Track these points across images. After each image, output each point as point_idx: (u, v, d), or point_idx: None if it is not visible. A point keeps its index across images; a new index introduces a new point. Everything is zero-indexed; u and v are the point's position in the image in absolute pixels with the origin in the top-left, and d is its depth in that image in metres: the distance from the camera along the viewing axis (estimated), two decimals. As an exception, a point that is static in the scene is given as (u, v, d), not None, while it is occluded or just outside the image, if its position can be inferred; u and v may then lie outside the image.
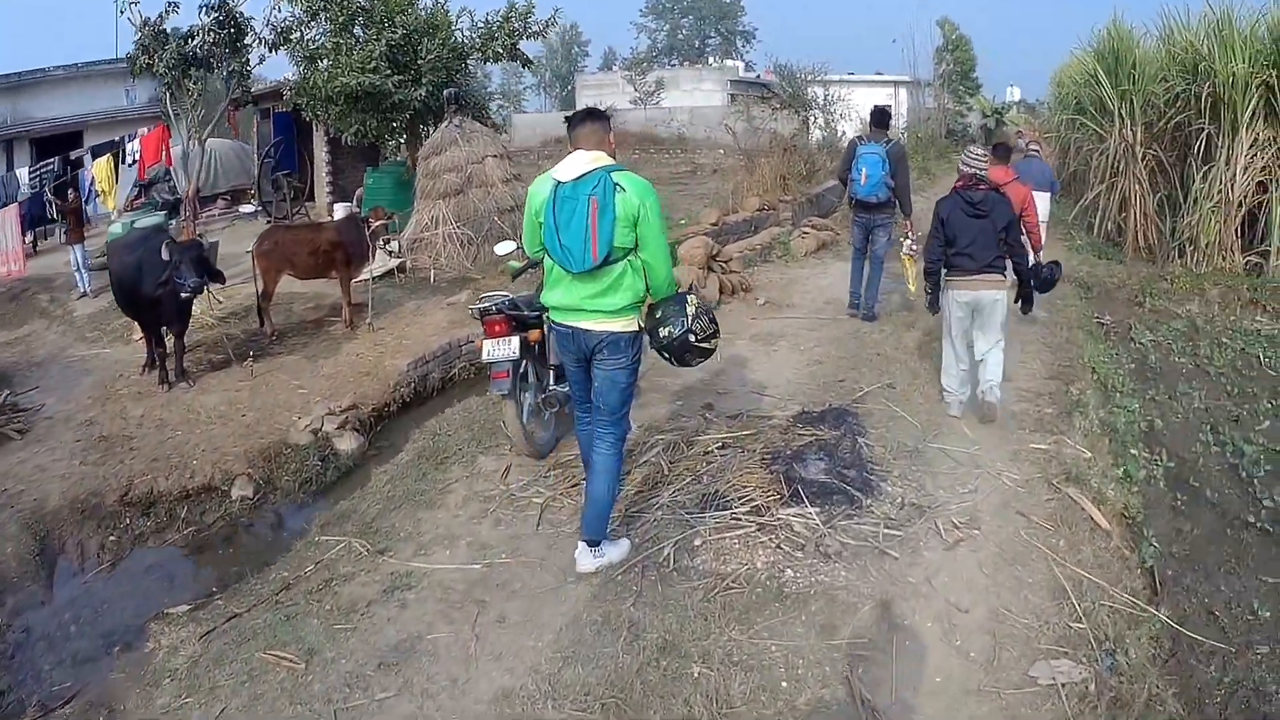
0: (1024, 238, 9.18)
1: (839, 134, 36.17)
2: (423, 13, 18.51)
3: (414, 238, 15.83)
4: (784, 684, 5.02)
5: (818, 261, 16.48)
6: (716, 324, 5.94)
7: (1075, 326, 12.53)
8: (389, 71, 16.93)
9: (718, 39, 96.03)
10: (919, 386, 9.72)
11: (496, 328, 7.39)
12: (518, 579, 6.18)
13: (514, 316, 7.50)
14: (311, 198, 21.71)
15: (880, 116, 11.60)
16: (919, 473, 7.68)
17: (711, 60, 73.31)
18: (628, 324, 5.58)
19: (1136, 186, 18.03)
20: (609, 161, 5.41)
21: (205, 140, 18.65)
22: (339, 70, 16.88)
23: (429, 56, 17.61)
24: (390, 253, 15.05)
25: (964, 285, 8.10)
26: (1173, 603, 6.41)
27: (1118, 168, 18.52)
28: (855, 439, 7.97)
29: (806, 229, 17.72)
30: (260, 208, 19.78)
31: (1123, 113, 18.30)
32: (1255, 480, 8.36)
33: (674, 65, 72.98)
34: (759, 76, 57.72)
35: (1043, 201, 12.66)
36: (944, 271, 8.30)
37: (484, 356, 7.41)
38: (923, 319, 11.55)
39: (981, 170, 8.07)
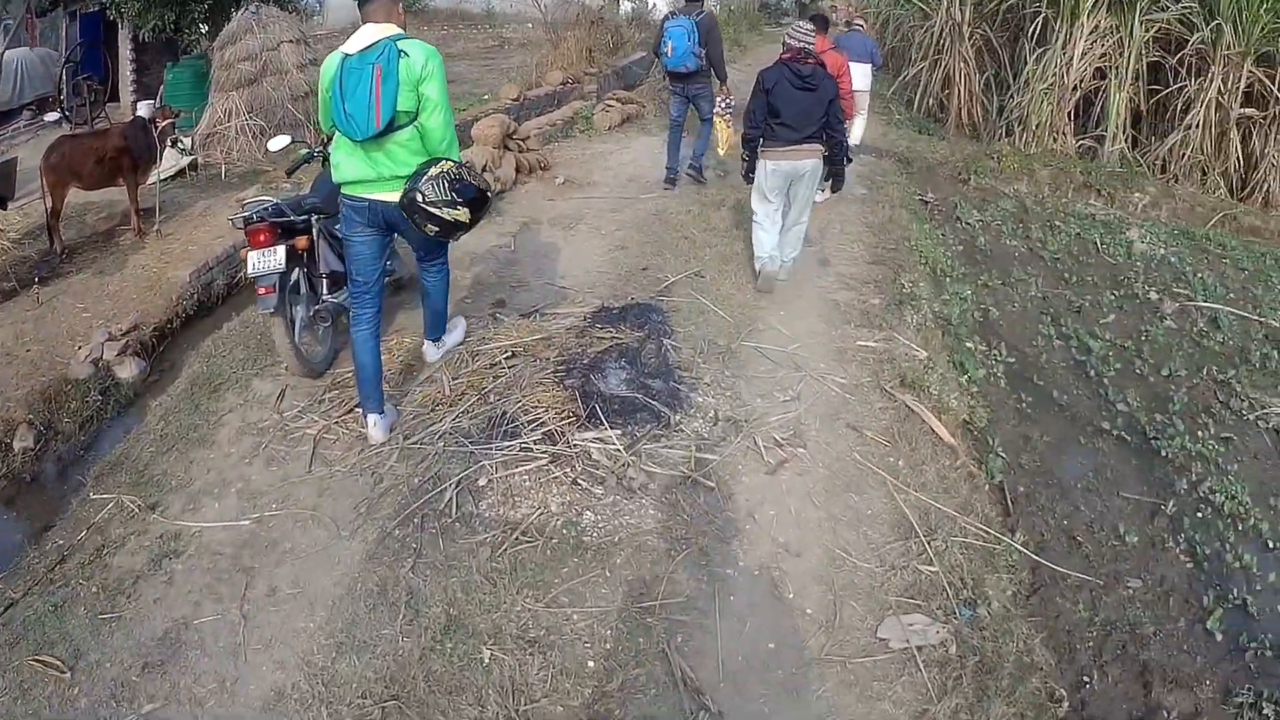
0: None
1: (650, 6, 34.96)
2: None
3: (207, 132, 14.08)
4: (590, 664, 4.25)
5: (622, 136, 15.06)
6: (461, 197, 5.40)
7: (897, 205, 11.57)
8: None
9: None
10: (729, 274, 8.57)
11: (260, 237, 6.38)
12: (288, 537, 5.21)
13: (279, 223, 6.51)
14: (116, 99, 19.72)
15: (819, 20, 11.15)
16: (733, 378, 6.57)
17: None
18: None
19: (962, 65, 17.11)
20: (396, 31, 5.28)
21: (2, 51, 16.71)
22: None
23: None
24: (182, 151, 13.34)
25: (783, 155, 7.90)
26: (1028, 526, 5.68)
27: (942, 45, 17.59)
28: (661, 341, 6.94)
29: (611, 102, 16.24)
30: (63, 115, 17.73)
31: (950, -12, 17.44)
32: (1105, 380, 7.59)
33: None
34: None
35: (862, 73, 12.33)
36: (761, 141, 8.01)
37: (248, 270, 6.39)
38: (732, 194, 10.86)
39: (810, 44, 7.89)
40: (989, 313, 8.63)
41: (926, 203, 12.43)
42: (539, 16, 23.70)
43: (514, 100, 15.28)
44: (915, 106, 18.32)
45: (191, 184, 12.80)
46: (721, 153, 11.63)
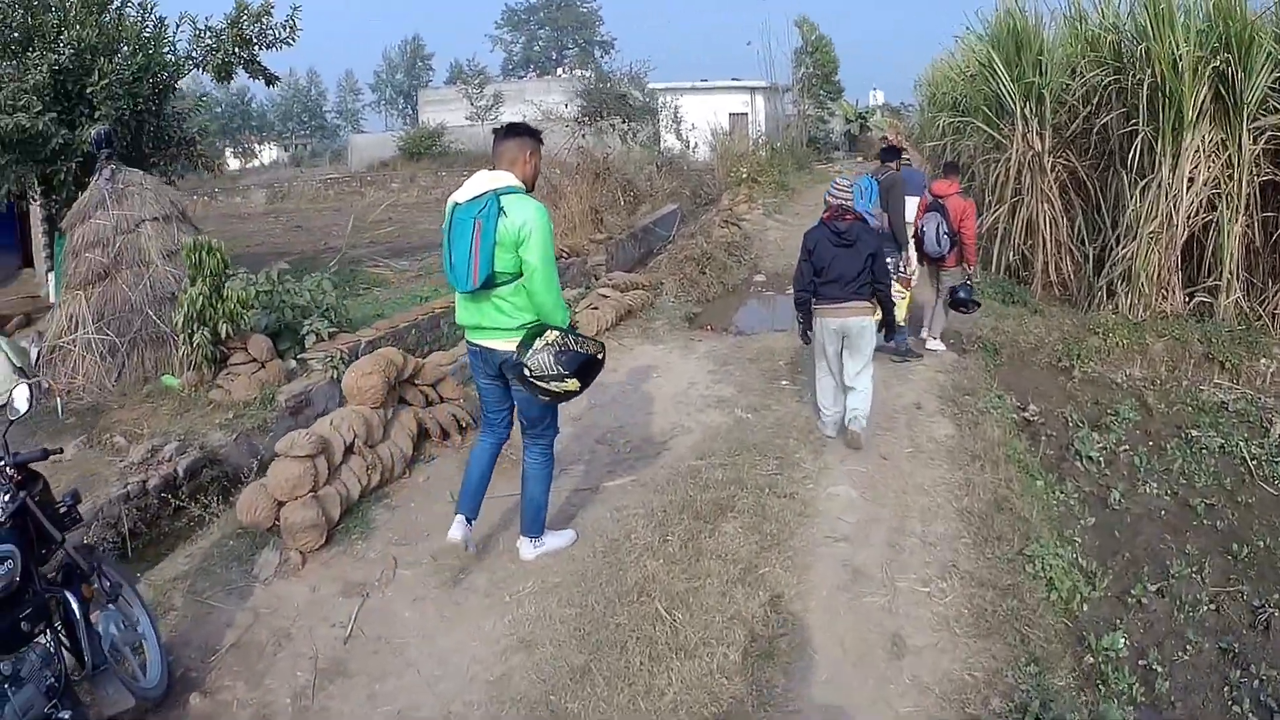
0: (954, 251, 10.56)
1: (690, 146, 32.21)
2: (107, 21, 13.83)
3: (54, 344, 10.76)
4: None
5: (614, 346, 11.39)
6: (568, 368, 5.27)
7: (995, 445, 8.29)
8: (41, 108, 12.61)
9: (575, 50, 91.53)
10: None
11: None
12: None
13: None
14: (31, 264, 17.07)
15: (889, 153, 11.55)
16: None
17: (561, 71, 68.75)
18: None
19: (1046, 206, 13.98)
20: (506, 183, 5.32)
21: None
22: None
23: (101, 83, 13.03)
24: (20, 370, 10.38)
25: (832, 313, 8.01)
26: None
27: (1021, 183, 14.39)
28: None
29: (605, 290, 12.89)
30: None
31: (1026, 113, 14.16)
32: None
33: (521, 77, 68.78)
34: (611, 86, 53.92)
35: (914, 206, 11.59)
36: (814, 300, 8.15)
37: None
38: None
39: (846, 201, 8.11)
40: (1151, 664, 5.48)
41: (1030, 422, 9.44)
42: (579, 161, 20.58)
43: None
44: (994, 264, 14.93)
45: (23, 421, 9.68)
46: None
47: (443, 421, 8.23)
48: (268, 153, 72.88)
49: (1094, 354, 11.37)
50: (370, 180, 41.51)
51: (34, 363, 10.64)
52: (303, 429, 7.37)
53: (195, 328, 9.25)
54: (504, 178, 5.33)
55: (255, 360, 9.50)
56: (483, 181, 5.33)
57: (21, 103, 12.50)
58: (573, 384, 5.31)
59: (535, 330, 5.31)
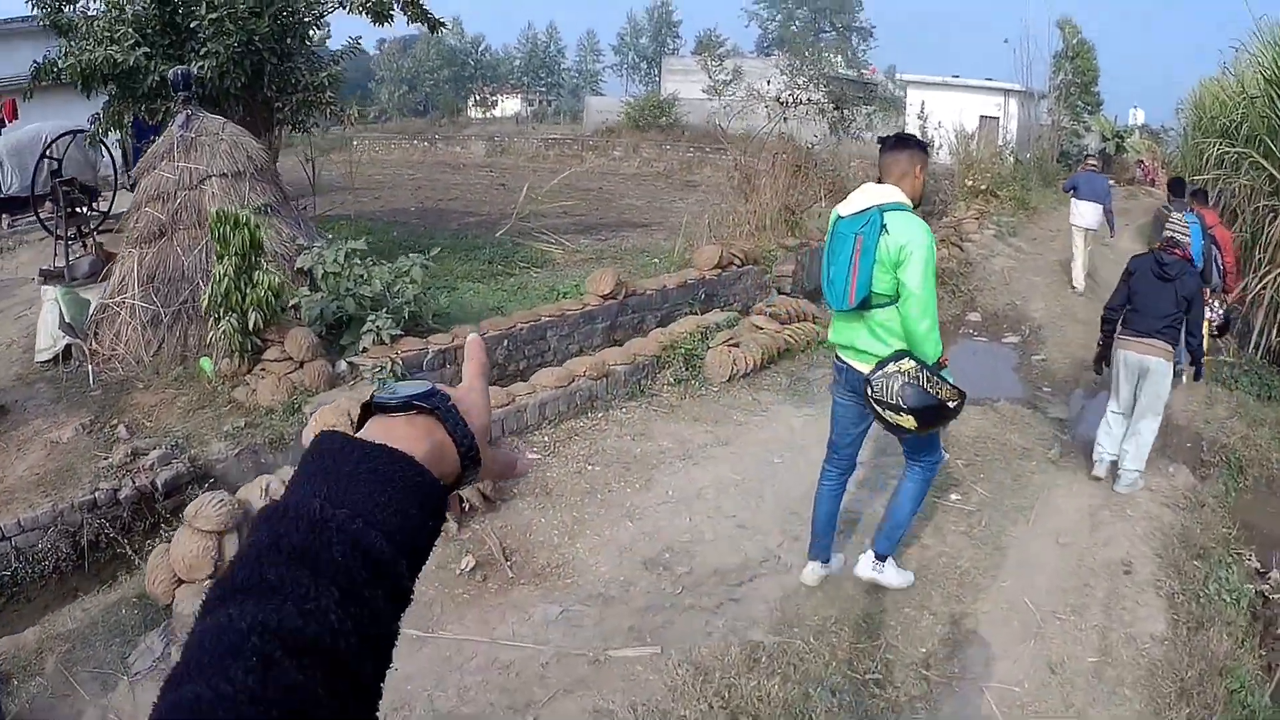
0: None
1: (935, 147, 29.63)
2: None
3: (104, 303, 9.52)
4: None
5: (747, 401, 9.21)
6: (909, 403, 4.93)
7: (1216, 603, 6.15)
8: (134, 40, 11.90)
9: (833, 34, 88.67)
10: None
11: None
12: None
13: None
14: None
15: (1178, 186, 11.55)
16: None
17: (808, 54, 66.47)
18: None
19: None
20: (893, 198, 5.10)
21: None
22: (86, 44, 11.94)
23: (208, 15, 11.90)
24: (69, 326, 9.35)
25: (1130, 345, 7.71)
26: None
27: None
28: None
29: (759, 319, 10.58)
30: (41, 223, 14.03)
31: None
32: None
33: (769, 55, 66.78)
34: (861, 74, 52.52)
35: (1092, 211, 12.87)
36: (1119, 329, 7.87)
37: None
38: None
39: (1180, 236, 8.04)
40: None
41: (1268, 599, 6.67)
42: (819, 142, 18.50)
43: (605, 299, 10.03)
44: (1252, 342, 11.87)
45: (60, 381, 9.03)
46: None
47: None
48: (511, 104, 72.67)
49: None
50: (593, 145, 40.16)
51: (86, 320, 9.42)
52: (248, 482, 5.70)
53: (221, 313, 7.84)
54: (890, 192, 5.12)
55: (291, 359, 7.97)
56: (868, 195, 5.17)
57: (118, 34, 11.79)
58: (908, 421, 5.02)
59: (897, 354, 5.08)
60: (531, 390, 8.20)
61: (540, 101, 77.96)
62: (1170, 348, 7.61)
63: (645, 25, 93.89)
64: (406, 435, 1.01)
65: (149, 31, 12.11)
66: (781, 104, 16.86)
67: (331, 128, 20.52)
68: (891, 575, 5.88)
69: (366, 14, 13.70)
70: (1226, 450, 9.04)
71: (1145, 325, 7.62)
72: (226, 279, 7.76)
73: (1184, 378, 8.58)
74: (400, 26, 15.28)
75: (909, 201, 5.16)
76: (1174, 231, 8.05)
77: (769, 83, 20.64)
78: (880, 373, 5.01)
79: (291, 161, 16.42)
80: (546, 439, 7.95)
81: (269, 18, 12.34)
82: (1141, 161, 36.93)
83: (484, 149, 40.22)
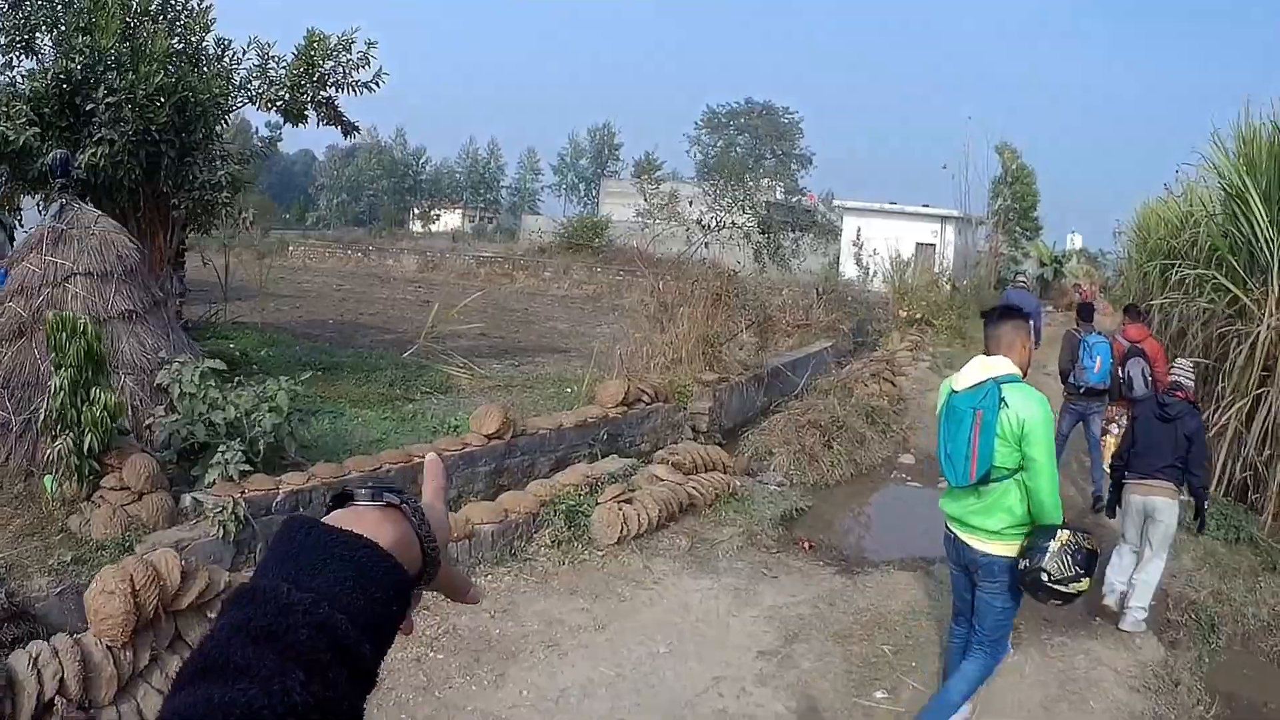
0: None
1: (869, 274, 29.22)
2: (127, 24, 12.12)
3: None
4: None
5: (636, 569, 7.90)
6: (1084, 568, 4.98)
7: None
8: (30, 119, 11.16)
9: (773, 160, 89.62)
10: None
11: None
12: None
13: None
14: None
15: (1088, 311, 11.87)
16: None
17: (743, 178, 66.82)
18: (1007, 547, 5.20)
19: None
20: (1005, 370, 5.15)
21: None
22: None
23: (105, 99, 11.20)
24: None
25: (1134, 488, 7.77)
26: None
27: (1268, 369, 10.49)
28: None
29: (659, 469, 9.28)
30: None
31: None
32: None
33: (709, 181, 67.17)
34: (799, 201, 53.20)
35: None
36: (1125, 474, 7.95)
37: None
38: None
39: (1184, 380, 8.06)
40: None
41: None
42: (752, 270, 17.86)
43: (491, 439, 8.86)
44: (1217, 480, 10.67)
45: None
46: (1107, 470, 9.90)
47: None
48: (452, 219, 72.71)
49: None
50: (524, 264, 40.05)
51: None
52: None
53: (58, 430, 6.95)
54: (1003, 364, 5.19)
55: (128, 489, 6.92)
56: (980, 369, 5.22)
57: (13, 110, 11.14)
58: (1086, 584, 5.04)
59: (1043, 532, 5.04)
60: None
61: (480, 218, 77.94)
62: (1174, 487, 7.70)
63: (586, 146, 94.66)
64: (375, 523, 1.05)
65: (46, 111, 11.48)
66: (704, 227, 16.02)
67: (242, 231, 19.91)
68: None
69: (278, 113, 13.35)
70: (1196, 608, 8.06)
71: (1148, 466, 7.71)
72: (62, 393, 6.79)
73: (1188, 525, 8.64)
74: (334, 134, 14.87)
75: (1020, 372, 5.19)
76: (1179, 375, 8.12)
77: (690, 203, 19.85)
78: (1049, 556, 4.93)
79: (233, 261, 15.50)
80: (391, 615, 6.65)
81: (170, 107, 11.67)
82: (1079, 285, 37.15)
83: (416, 263, 40.13)
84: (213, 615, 5.36)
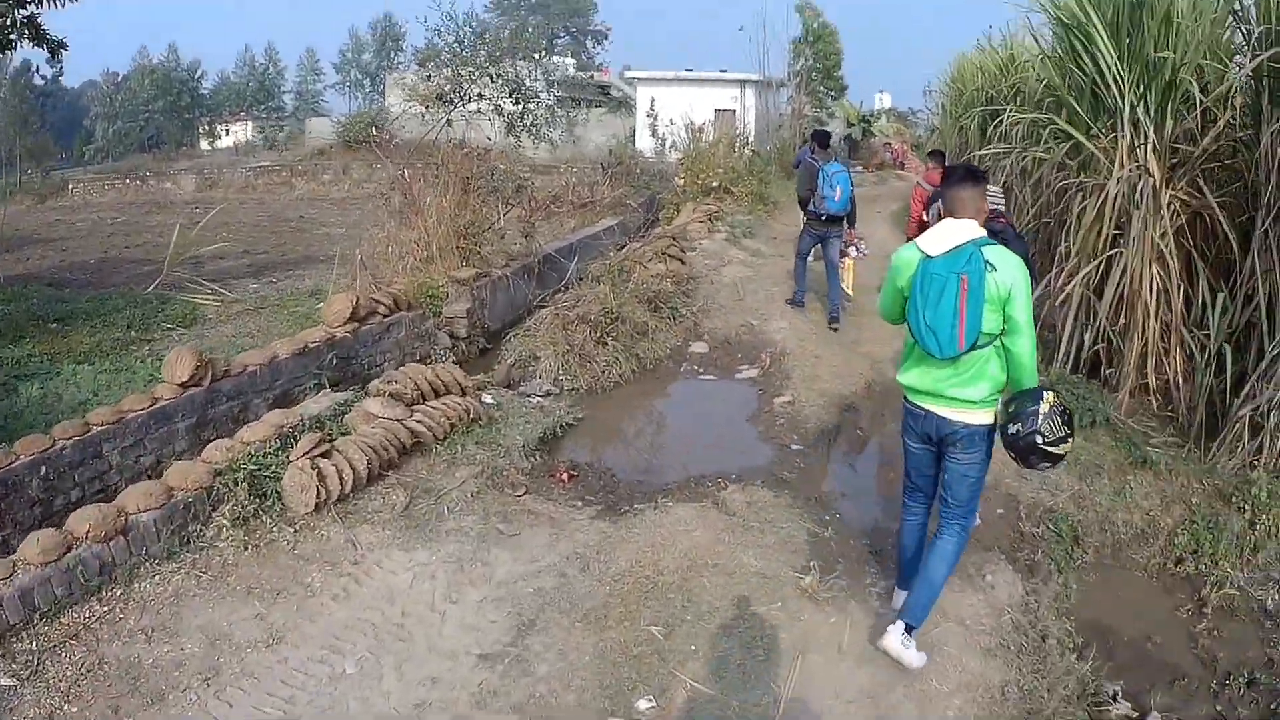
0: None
1: (667, 146, 28.02)
2: None
3: None
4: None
5: (334, 546, 5.97)
6: (1071, 428, 4.90)
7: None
8: None
9: (567, 38, 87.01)
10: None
11: None
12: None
13: None
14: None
15: (824, 138, 12.94)
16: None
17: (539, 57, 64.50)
18: (986, 416, 5.05)
19: (1157, 269, 8.63)
20: (980, 234, 4.90)
21: None
22: None
23: None
24: None
25: None
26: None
27: (1122, 229, 9.01)
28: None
29: (373, 404, 7.18)
30: None
31: (1140, 114, 8.71)
32: None
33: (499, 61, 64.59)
34: (593, 76, 51.82)
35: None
36: None
37: None
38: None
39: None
40: None
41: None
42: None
43: (186, 388, 7.18)
44: (1064, 352, 9.42)
45: None
46: (850, 293, 11.68)
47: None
48: (242, 132, 68.43)
49: (1229, 551, 6.44)
50: (303, 170, 38.25)
51: None
52: None
53: None
54: (975, 228, 4.89)
55: None
56: (956, 233, 4.85)
57: None
58: (1072, 443, 4.94)
59: (1029, 395, 4.87)
60: (9, 572, 4.86)
61: (267, 127, 73.93)
62: None
63: (369, 41, 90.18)
64: None
65: None
66: (445, 102, 14.08)
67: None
68: (914, 655, 5.06)
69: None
70: (1054, 517, 6.82)
71: None
72: None
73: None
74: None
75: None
76: (996, 203, 7.48)
77: (430, 78, 17.76)
78: (1042, 418, 4.77)
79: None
80: (33, 649, 4.64)
81: None
82: (890, 144, 36.39)
83: (194, 184, 38.21)
84: None
